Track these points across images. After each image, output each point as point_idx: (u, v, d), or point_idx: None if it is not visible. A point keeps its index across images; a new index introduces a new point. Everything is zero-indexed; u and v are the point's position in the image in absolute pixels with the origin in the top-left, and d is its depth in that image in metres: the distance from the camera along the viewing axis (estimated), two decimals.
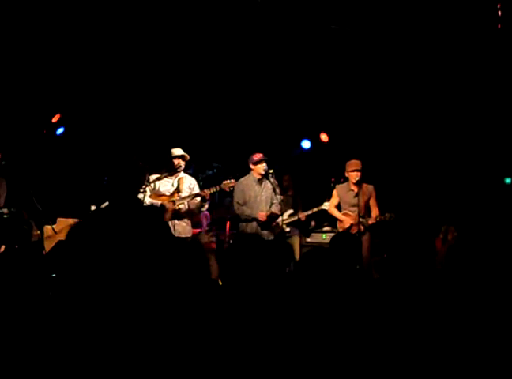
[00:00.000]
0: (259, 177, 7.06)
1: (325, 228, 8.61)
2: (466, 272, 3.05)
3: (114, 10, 7.82)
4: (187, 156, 6.91)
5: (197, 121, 9.52)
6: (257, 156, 7.04)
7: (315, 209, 8.07)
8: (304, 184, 8.92)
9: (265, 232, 6.99)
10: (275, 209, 7.09)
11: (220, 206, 8.99)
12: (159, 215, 6.46)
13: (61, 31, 7.98)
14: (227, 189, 6.90)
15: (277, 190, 7.08)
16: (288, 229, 8.19)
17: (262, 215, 6.96)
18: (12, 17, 7.53)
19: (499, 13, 7.08)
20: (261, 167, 6.99)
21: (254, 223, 7.01)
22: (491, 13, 7.26)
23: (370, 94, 9.19)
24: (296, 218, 8.16)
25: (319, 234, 8.66)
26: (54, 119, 8.68)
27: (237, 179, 7.09)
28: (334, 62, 8.98)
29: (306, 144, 9.81)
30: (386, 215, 7.15)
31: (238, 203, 7.10)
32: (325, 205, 7.84)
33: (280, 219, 7.46)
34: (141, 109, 9.16)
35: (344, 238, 3.69)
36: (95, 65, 8.56)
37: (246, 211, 7.04)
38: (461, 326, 2.63)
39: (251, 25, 8.42)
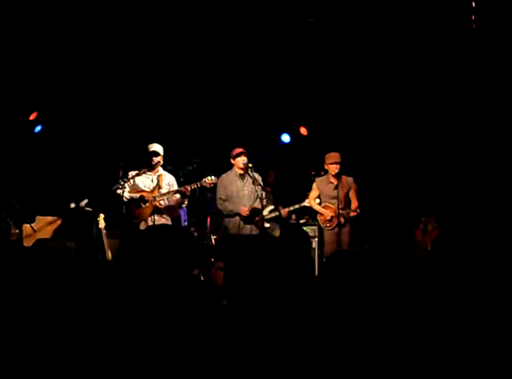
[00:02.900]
0: (241, 171, 7.04)
1: (306, 221, 8.65)
2: (452, 262, 3.06)
3: (96, 10, 7.79)
4: (160, 152, 6.85)
5: (176, 116, 9.49)
6: (237, 150, 7.04)
7: (297, 206, 8.07)
8: (284, 178, 8.95)
9: (247, 227, 6.99)
10: (258, 204, 7.05)
11: (201, 201, 8.98)
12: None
13: (38, 27, 7.92)
14: (208, 186, 6.89)
15: (260, 184, 7.04)
16: (267, 225, 8.20)
17: (245, 211, 6.95)
18: None
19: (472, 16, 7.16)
20: (241, 161, 6.97)
21: (237, 218, 6.99)
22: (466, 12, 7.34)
23: (348, 86, 9.23)
24: (278, 214, 8.17)
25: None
26: (32, 117, 8.61)
27: (217, 175, 7.08)
28: (312, 56, 9.01)
29: (285, 138, 9.84)
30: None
31: (220, 198, 7.07)
32: (307, 202, 7.86)
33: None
34: (120, 105, 9.12)
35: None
36: (72, 61, 8.51)
37: (229, 206, 7.02)
38: (449, 319, 2.64)
39: (228, 20, 8.42)
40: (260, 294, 2.68)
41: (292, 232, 3.49)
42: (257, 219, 7.16)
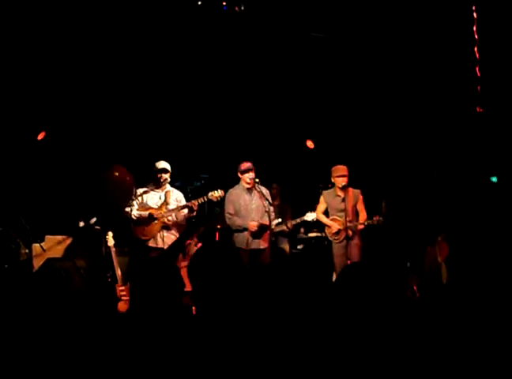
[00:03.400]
0: (248, 186, 7.06)
1: (314, 234, 8.63)
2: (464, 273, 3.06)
3: (93, 25, 7.87)
4: (168, 169, 6.90)
5: (184, 132, 9.53)
6: (244, 165, 7.04)
7: (298, 220, 8.03)
8: (291, 192, 8.95)
9: (256, 241, 6.99)
10: (266, 219, 7.05)
11: (210, 216, 8.99)
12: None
13: (46, 43, 8.02)
14: (215, 200, 6.91)
15: (269, 199, 7.06)
16: (273, 238, 8.20)
17: (253, 226, 6.96)
18: None
19: (475, 15, 7.17)
20: (248, 176, 6.99)
21: (245, 233, 7.00)
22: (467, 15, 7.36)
23: (355, 99, 9.25)
24: (284, 227, 8.16)
25: (308, 241, 8.68)
26: (40, 137, 8.66)
27: (225, 189, 7.10)
28: (318, 70, 9.05)
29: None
30: (374, 219, 7.17)
31: (229, 213, 7.07)
32: (307, 216, 7.83)
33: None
34: (128, 122, 9.17)
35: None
36: (80, 78, 8.59)
37: (237, 221, 7.03)
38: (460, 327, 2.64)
39: (232, 37, 8.49)
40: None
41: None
42: (265, 233, 7.16)
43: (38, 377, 2.62)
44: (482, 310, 2.77)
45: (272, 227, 7.88)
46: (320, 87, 9.25)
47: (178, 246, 6.90)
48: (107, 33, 8.13)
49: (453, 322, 2.73)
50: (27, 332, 2.97)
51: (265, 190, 7.10)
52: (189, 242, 7.92)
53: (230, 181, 7.42)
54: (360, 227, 7.23)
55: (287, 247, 8.46)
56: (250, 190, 7.08)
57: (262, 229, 7.02)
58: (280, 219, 8.19)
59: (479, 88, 7.53)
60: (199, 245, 8.39)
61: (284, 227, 8.08)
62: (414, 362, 2.44)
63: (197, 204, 6.76)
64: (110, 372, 2.55)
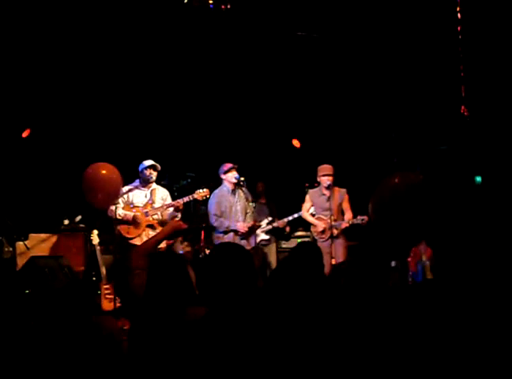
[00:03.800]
0: (232, 187, 7.06)
1: (300, 233, 8.65)
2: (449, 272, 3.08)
3: (83, 22, 7.85)
4: (158, 167, 6.90)
5: (170, 131, 9.51)
6: (227, 166, 7.06)
7: (296, 215, 8.02)
8: (277, 190, 8.96)
9: (242, 242, 6.98)
10: (250, 219, 7.09)
11: (195, 215, 8.97)
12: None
13: (34, 42, 7.98)
14: (201, 199, 6.90)
15: (250, 199, 7.10)
16: (267, 237, 8.20)
17: (243, 227, 6.96)
18: None
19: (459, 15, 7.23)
20: (232, 175, 7.00)
21: (232, 234, 7.00)
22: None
23: (341, 98, 9.27)
24: (276, 225, 8.17)
25: (294, 239, 8.70)
26: (24, 134, 8.60)
27: (211, 188, 7.09)
28: (304, 69, 9.06)
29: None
30: (359, 218, 7.19)
31: (215, 215, 7.04)
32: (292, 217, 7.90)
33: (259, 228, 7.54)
34: (113, 120, 9.14)
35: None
36: (65, 75, 8.55)
37: (225, 223, 7.00)
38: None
39: (219, 35, 8.49)
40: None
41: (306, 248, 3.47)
42: (252, 234, 7.17)
43: (22, 375, 2.61)
44: (467, 305, 2.79)
45: (263, 225, 7.93)
46: (306, 86, 9.27)
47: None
48: (95, 31, 8.10)
49: (438, 318, 2.74)
50: (11, 331, 2.96)
51: (246, 191, 7.11)
52: (172, 242, 7.90)
53: (217, 179, 7.41)
54: (344, 225, 7.25)
55: (274, 246, 8.48)
56: (233, 191, 7.09)
57: (250, 230, 7.04)
58: (270, 218, 8.20)
59: (463, 88, 7.58)
60: (185, 243, 8.39)
61: (276, 225, 8.09)
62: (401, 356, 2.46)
63: (182, 203, 6.76)
64: (94, 370, 2.54)
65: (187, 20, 8.09)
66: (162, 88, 9.17)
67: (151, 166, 6.86)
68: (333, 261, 6.99)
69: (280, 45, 8.73)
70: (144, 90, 9.12)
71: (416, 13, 7.94)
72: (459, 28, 7.37)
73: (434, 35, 7.97)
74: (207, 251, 8.38)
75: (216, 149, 9.28)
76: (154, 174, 6.89)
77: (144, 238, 6.71)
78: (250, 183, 7.58)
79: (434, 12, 7.79)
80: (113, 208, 6.70)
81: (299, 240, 8.51)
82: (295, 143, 9.70)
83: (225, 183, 7.10)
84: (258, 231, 8.01)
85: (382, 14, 8.17)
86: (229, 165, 7.05)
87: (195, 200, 6.93)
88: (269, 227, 8.21)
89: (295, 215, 7.98)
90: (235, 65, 9.00)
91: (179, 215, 6.95)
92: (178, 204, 6.74)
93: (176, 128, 9.51)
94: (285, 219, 8.11)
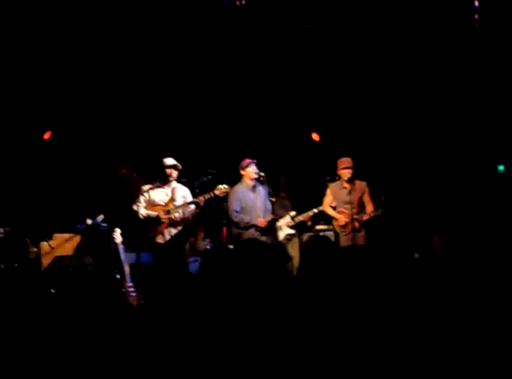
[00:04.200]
0: (251, 183, 7.07)
1: (322, 226, 8.63)
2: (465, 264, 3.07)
3: (96, 28, 7.91)
4: (179, 166, 6.94)
5: (191, 127, 9.55)
6: (247, 161, 7.07)
7: (315, 210, 7.99)
8: (298, 185, 8.95)
9: (263, 238, 6.98)
10: (269, 215, 7.10)
11: (217, 212, 8.99)
12: None
13: (51, 45, 8.05)
14: (221, 195, 6.91)
15: (271, 193, 7.11)
16: (293, 231, 8.15)
17: (262, 222, 6.97)
18: None
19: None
20: (252, 171, 7.01)
21: (252, 230, 7.01)
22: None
23: (360, 91, 9.23)
24: (301, 219, 8.14)
25: (316, 233, 8.66)
26: (46, 136, 8.70)
27: (232, 185, 7.10)
28: (323, 62, 9.03)
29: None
30: (379, 210, 7.16)
31: (235, 211, 7.05)
32: (312, 211, 7.88)
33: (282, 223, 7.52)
34: (134, 119, 9.20)
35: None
36: (85, 76, 8.62)
37: (245, 218, 7.01)
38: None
39: (237, 31, 8.49)
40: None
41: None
42: (272, 229, 7.18)
43: (48, 373, 2.64)
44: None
45: (289, 219, 7.90)
46: (325, 80, 9.24)
47: (181, 240, 6.89)
48: (112, 32, 8.15)
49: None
50: (36, 330, 3.00)
51: (266, 186, 7.12)
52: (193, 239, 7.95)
53: (237, 176, 7.42)
54: (365, 218, 7.21)
55: (297, 241, 8.46)
56: (253, 187, 7.09)
57: (270, 225, 7.04)
58: (295, 212, 8.16)
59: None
60: (207, 240, 8.43)
61: (302, 218, 8.05)
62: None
63: (203, 199, 6.77)
64: (118, 368, 2.56)
65: (202, 16, 8.10)
66: (183, 86, 9.20)
67: (172, 166, 6.90)
68: None
69: (300, 39, 8.70)
70: (165, 89, 9.16)
71: None
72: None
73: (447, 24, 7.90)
74: (229, 247, 8.41)
75: (237, 145, 9.30)
76: (174, 174, 6.93)
77: (167, 236, 6.78)
78: (271, 178, 7.57)
79: None
80: (135, 207, 6.76)
81: (321, 233, 8.50)
82: (315, 137, 9.68)
83: (245, 179, 7.10)
84: (283, 226, 8.00)
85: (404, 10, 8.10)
86: (249, 160, 7.06)
87: (217, 196, 6.94)
88: (294, 221, 8.16)
89: (315, 211, 7.96)
90: (255, 60, 8.99)
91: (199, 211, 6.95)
92: (199, 201, 6.76)
93: (197, 125, 9.54)
94: (310, 213, 8.07)
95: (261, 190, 7.08)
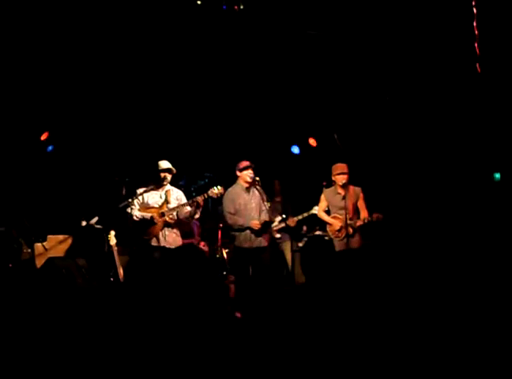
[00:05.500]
0: (246, 185, 7.07)
1: (316, 232, 8.65)
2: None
3: (95, 33, 7.94)
4: (174, 170, 6.95)
5: (187, 131, 9.57)
6: (243, 163, 7.07)
7: (305, 214, 8.08)
8: (293, 189, 8.96)
9: (258, 239, 7.00)
10: (265, 217, 7.11)
11: (213, 215, 9.01)
12: None
13: (49, 49, 8.08)
14: (215, 196, 6.90)
15: (264, 197, 7.10)
16: (278, 235, 8.25)
17: (256, 224, 6.97)
18: None
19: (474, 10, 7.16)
20: (248, 174, 7.01)
21: (248, 232, 7.01)
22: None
23: (356, 97, 9.26)
24: (289, 223, 8.17)
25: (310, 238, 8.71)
26: (43, 137, 8.72)
27: (226, 187, 7.10)
28: (319, 68, 9.06)
29: (295, 149, 9.87)
30: (374, 216, 7.16)
31: (229, 213, 7.05)
32: (315, 209, 7.87)
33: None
34: (130, 121, 9.22)
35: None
36: (81, 80, 8.64)
37: (239, 220, 7.01)
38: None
39: (234, 36, 8.52)
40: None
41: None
42: (266, 231, 7.18)
43: (41, 374, 2.66)
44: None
45: (276, 223, 7.95)
46: (322, 85, 9.26)
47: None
48: (109, 34, 8.18)
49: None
50: (30, 330, 3.02)
51: (261, 190, 7.12)
52: (191, 240, 7.97)
53: (234, 179, 7.43)
54: (359, 223, 7.22)
55: (288, 245, 8.48)
56: (248, 189, 7.10)
57: (265, 226, 7.04)
58: (284, 216, 8.20)
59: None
60: (202, 243, 8.44)
61: (289, 223, 8.10)
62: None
63: (202, 199, 6.76)
64: (113, 369, 2.58)
65: (201, 20, 8.13)
66: (180, 90, 9.23)
67: (166, 170, 6.91)
68: None
69: (296, 44, 8.73)
70: (163, 92, 9.19)
71: None
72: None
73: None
74: (224, 251, 8.44)
75: (234, 149, 9.32)
76: (169, 177, 6.94)
77: (161, 238, 6.79)
78: (266, 182, 7.57)
79: None
80: (129, 210, 6.76)
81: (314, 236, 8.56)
82: (312, 142, 9.70)
83: (240, 181, 7.11)
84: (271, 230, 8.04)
85: (400, 11, 8.12)
86: (246, 163, 7.05)
87: (212, 199, 6.94)
88: (281, 225, 8.22)
89: (305, 215, 8.00)
90: (252, 65, 9.02)
91: (199, 212, 6.93)
92: (196, 201, 6.75)
93: (193, 129, 9.57)
94: (295, 218, 8.10)
95: (256, 192, 7.07)
